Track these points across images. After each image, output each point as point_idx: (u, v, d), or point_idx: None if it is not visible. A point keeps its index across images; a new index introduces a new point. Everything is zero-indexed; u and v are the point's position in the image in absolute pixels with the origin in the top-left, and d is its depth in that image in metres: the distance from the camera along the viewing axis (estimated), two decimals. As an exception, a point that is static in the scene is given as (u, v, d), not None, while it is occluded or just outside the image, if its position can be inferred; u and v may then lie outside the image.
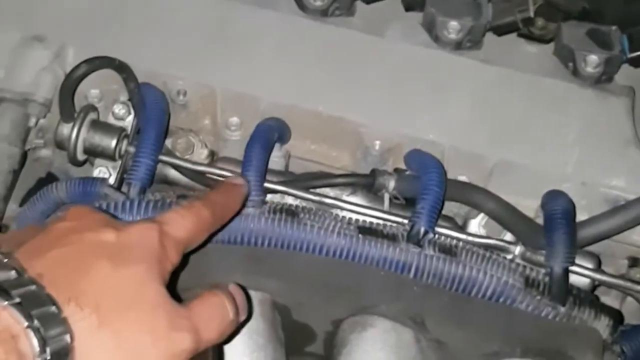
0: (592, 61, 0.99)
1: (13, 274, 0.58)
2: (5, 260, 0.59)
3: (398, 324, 0.87)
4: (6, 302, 0.55)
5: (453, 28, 1.00)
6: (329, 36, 1.01)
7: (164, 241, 0.66)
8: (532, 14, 1.02)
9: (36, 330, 0.54)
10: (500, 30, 1.04)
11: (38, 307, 0.56)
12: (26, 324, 0.54)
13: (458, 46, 1.01)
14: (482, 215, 0.94)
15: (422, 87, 0.98)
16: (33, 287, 0.57)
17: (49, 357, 0.55)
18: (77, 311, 0.57)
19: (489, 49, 1.03)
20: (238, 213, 0.82)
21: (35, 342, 0.54)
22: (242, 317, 0.71)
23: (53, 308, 0.56)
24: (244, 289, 0.73)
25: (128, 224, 0.67)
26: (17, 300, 0.55)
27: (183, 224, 0.70)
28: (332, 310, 0.89)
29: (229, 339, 0.70)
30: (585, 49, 1.00)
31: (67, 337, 0.56)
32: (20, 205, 1.01)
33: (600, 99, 0.99)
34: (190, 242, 0.71)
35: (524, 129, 0.96)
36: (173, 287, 0.66)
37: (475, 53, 1.02)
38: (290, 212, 0.86)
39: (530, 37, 1.06)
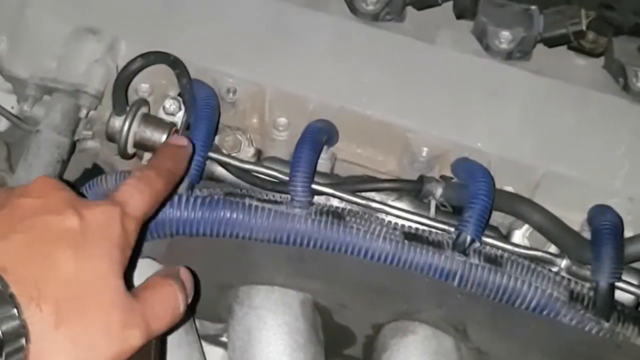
0: (644, 77, 0.99)
1: None
2: None
3: (439, 331, 0.88)
4: None
5: (504, 38, 1.00)
6: (380, 40, 1.01)
7: (126, 224, 0.67)
8: (584, 28, 1.02)
9: None
10: (551, 42, 1.03)
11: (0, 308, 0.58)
12: None
13: (508, 56, 1.01)
14: (526, 226, 0.94)
15: (472, 96, 0.98)
16: None
17: (2, 358, 0.57)
18: (37, 312, 0.59)
19: (539, 60, 1.03)
20: (183, 177, 0.82)
21: None
22: (189, 302, 0.72)
23: (14, 310, 0.58)
24: (192, 273, 0.75)
25: (90, 206, 0.66)
26: None
27: (142, 199, 0.70)
28: (374, 314, 0.90)
29: (176, 325, 0.71)
30: (636, 64, 1.00)
31: (22, 340, 0.58)
32: (66, 195, 1.02)
33: (651, 115, 0.98)
34: (148, 216, 0.72)
35: (572, 141, 0.96)
36: (130, 268, 0.67)
37: (525, 63, 1.01)
38: (337, 215, 0.87)
39: (580, 50, 1.05)
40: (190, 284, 0.72)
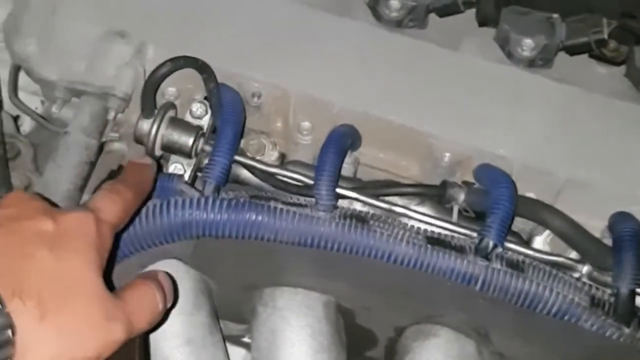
0: (665, 86, 1.00)
1: None
2: None
3: (461, 335, 0.89)
4: None
5: (527, 46, 1.01)
6: (404, 47, 1.02)
7: (101, 229, 0.70)
8: (605, 36, 1.03)
9: None
10: (573, 50, 1.04)
11: None
12: None
13: (531, 64, 1.02)
14: (547, 232, 0.95)
15: (495, 102, 0.99)
16: None
17: None
18: (20, 305, 0.61)
19: (561, 68, 1.04)
20: (151, 193, 0.85)
21: None
22: (169, 305, 0.75)
23: None
24: (171, 278, 0.78)
25: (64, 212, 0.69)
26: None
27: (115, 209, 0.73)
28: (396, 317, 0.91)
29: (157, 326, 0.74)
30: (658, 73, 1.01)
31: (9, 332, 0.60)
32: (93, 196, 1.03)
33: (672, 124, 0.99)
34: (120, 225, 0.75)
35: (594, 149, 0.97)
36: (108, 273, 0.70)
37: (547, 71, 1.03)
38: (361, 219, 0.88)
39: (601, 59, 1.06)
40: (168, 286, 0.76)
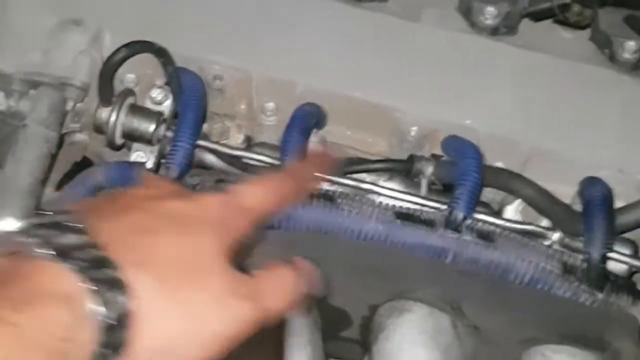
0: (630, 47, 0.99)
1: (79, 237, 0.56)
2: (69, 223, 0.57)
3: (435, 309, 0.88)
4: (68, 265, 0.54)
5: (490, 13, 1.00)
6: (364, 21, 1.01)
7: (232, 210, 0.64)
8: (568, 0, 1.02)
9: (98, 294, 0.53)
10: (537, 16, 1.04)
11: (99, 270, 0.55)
12: (87, 287, 0.53)
13: (494, 32, 1.02)
14: (518, 201, 0.94)
15: (459, 73, 0.98)
16: (94, 251, 0.56)
17: (111, 321, 0.54)
18: (139, 276, 0.56)
19: (525, 35, 1.03)
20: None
21: (97, 306, 0.53)
22: (313, 291, 0.68)
23: (115, 272, 0.55)
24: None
25: (197, 194, 0.65)
26: (79, 263, 0.54)
27: (259, 196, 0.67)
28: (369, 295, 0.89)
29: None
30: (622, 35, 1.00)
31: (130, 302, 0.55)
32: (57, 189, 1.02)
33: (638, 85, 0.98)
34: (264, 213, 0.67)
35: (561, 115, 0.96)
36: (242, 259, 0.64)
37: (511, 39, 1.02)
38: (328, 198, 0.86)
39: (566, 24, 1.05)
40: (310, 272, 0.68)
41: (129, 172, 0.88)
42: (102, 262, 0.55)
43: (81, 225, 0.57)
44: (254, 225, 0.66)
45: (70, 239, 0.56)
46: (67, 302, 0.53)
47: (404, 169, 0.92)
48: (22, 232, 0.56)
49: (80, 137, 1.03)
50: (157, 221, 0.61)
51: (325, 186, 0.90)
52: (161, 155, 0.92)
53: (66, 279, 0.54)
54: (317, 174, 0.77)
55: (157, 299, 0.57)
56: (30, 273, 0.54)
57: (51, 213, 0.59)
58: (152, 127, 0.90)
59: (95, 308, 0.53)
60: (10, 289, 0.53)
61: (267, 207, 0.68)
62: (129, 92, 0.93)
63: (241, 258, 0.63)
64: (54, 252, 0.54)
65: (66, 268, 0.54)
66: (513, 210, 0.94)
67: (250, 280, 0.62)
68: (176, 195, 0.64)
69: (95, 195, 0.89)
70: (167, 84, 0.94)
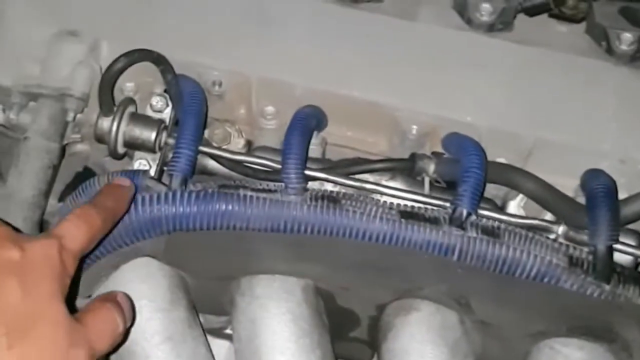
0: (626, 39, 1.00)
1: None
2: None
3: (442, 307, 0.88)
4: None
5: (485, 10, 1.01)
6: (361, 21, 1.01)
7: (64, 256, 0.71)
8: (563, -6, 1.02)
9: None
10: (532, 11, 1.04)
11: None
12: None
13: (490, 28, 1.01)
14: (521, 196, 0.94)
15: (457, 70, 0.98)
16: None
17: None
18: None
19: (521, 30, 1.03)
20: (123, 216, 0.84)
21: None
22: (128, 325, 0.78)
23: None
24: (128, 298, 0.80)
25: (29, 240, 0.71)
26: None
27: (78, 235, 0.74)
28: (376, 295, 0.90)
29: (117, 346, 0.77)
30: (618, 26, 1.01)
31: None
32: (59, 200, 1.02)
33: (636, 76, 0.99)
34: (85, 251, 0.76)
35: (560, 108, 0.96)
36: (70, 297, 0.72)
37: (507, 34, 1.02)
38: (332, 199, 0.86)
39: (561, 17, 1.05)
40: (127, 306, 0.78)
41: (133, 180, 0.88)
42: None
43: None
44: (77, 263, 0.74)
45: None
46: None
47: (406, 168, 0.92)
48: None
49: (81, 147, 1.03)
50: None
51: (329, 187, 0.90)
52: (164, 163, 0.92)
53: None
54: (122, 206, 0.83)
55: (4, 356, 0.64)
56: None
57: None
58: (153, 135, 0.90)
59: None
60: None
61: (87, 245, 0.76)
62: (130, 101, 0.93)
63: (70, 297, 0.72)
64: None
65: None
66: (516, 205, 0.94)
67: (81, 328, 0.70)
68: (9, 241, 0.70)
69: None
70: (166, 91, 0.94)
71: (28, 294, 0.67)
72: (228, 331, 1.05)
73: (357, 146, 1.01)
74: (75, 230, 0.74)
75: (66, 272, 0.71)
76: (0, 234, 0.70)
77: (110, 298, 0.77)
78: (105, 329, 0.74)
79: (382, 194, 0.90)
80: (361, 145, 1.00)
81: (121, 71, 0.89)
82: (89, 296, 0.92)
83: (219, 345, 1.03)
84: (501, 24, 1.02)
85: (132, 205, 0.85)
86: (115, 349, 0.77)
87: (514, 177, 0.91)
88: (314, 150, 0.95)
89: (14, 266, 0.68)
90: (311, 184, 0.89)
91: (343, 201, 0.86)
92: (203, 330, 0.95)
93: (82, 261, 0.77)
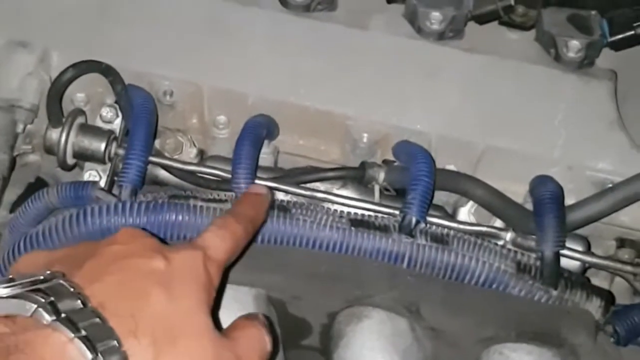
0: (574, 46, 1.01)
1: (78, 303, 0.60)
2: (72, 288, 0.61)
3: (393, 314, 0.88)
4: (73, 335, 0.57)
5: (435, 19, 1.01)
6: (313, 31, 1.01)
7: (209, 267, 0.69)
8: (512, 2, 1.03)
9: None
10: (482, 19, 1.05)
11: (102, 340, 0.58)
12: (91, 357, 0.57)
13: (441, 36, 1.02)
14: (471, 203, 0.95)
15: (408, 78, 0.99)
16: (97, 320, 0.59)
17: None
18: (136, 344, 0.60)
19: (472, 38, 1.04)
20: (263, 224, 0.84)
21: None
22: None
23: (115, 342, 0.59)
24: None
25: (175, 250, 0.68)
26: (84, 333, 0.58)
27: (223, 246, 0.72)
28: (328, 303, 0.90)
29: None
30: (566, 34, 1.02)
31: None
32: (11, 211, 1.01)
33: (584, 83, 1.00)
34: (229, 261, 0.74)
35: (509, 115, 0.98)
36: (215, 310, 0.69)
37: (458, 42, 1.03)
38: (282, 208, 0.87)
39: (511, 25, 1.07)
40: (269, 328, 0.74)
41: (82, 192, 0.88)
42: (103, 333, 0.59)
43: (76, 290, 0.61)
44: (222, 275, 0.71)
45: (68, 304, 0.60)
46: None
47: (356, 176, 0.93)
48: (17, 296, 0.59)
49: (33, 158, 1.03)
50: (144, 282, 0.65)
51: (280, 196, 0.91)
52: (114, 174, 0.92)
53: (70, 349, 0.57)
54: (262, 213, 0.83)
55: None
56: (34, 343, 0.57)
57: (36, 275, 0.62)
58: (103, 146, 0.90)
59: None
60: None
61: (232, 255, 0.74)
62: (79, 112, 0.92)
63: (215, 309, 0.68)
64: (56, 321, 0.58)
65: (69, 338, 0.57)
66: (466, 212, 0.95)
67: (229, 342, 0.67)
68: (154, 251, 0.67)
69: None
70: (117, 102, 0.93)
71: (174, 304, 0.64)
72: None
73: (310, 154, 1.01)
74: (219, 241, 0.72)
75: (211, 283, 0.69)
76: (145, 245, 0.68)
77: (257, 317, 0.74)
78: (254, 347, 0.70)
79: (332, 202, 0.90)
80: (314, 153, 1.01)
81: (69, 82, 0.89)
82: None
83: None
84: (451, 32, 1.03)
85: (82, 217, 0.84)
86: None
87: (463, 184, 0.93)
88: (266, 159, 0.96)
89: (159, 276, 0.65)
90: (263, 194, 0.89)
91: (294, 210, 0.87)
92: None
93: (227, 273, 0.74)
